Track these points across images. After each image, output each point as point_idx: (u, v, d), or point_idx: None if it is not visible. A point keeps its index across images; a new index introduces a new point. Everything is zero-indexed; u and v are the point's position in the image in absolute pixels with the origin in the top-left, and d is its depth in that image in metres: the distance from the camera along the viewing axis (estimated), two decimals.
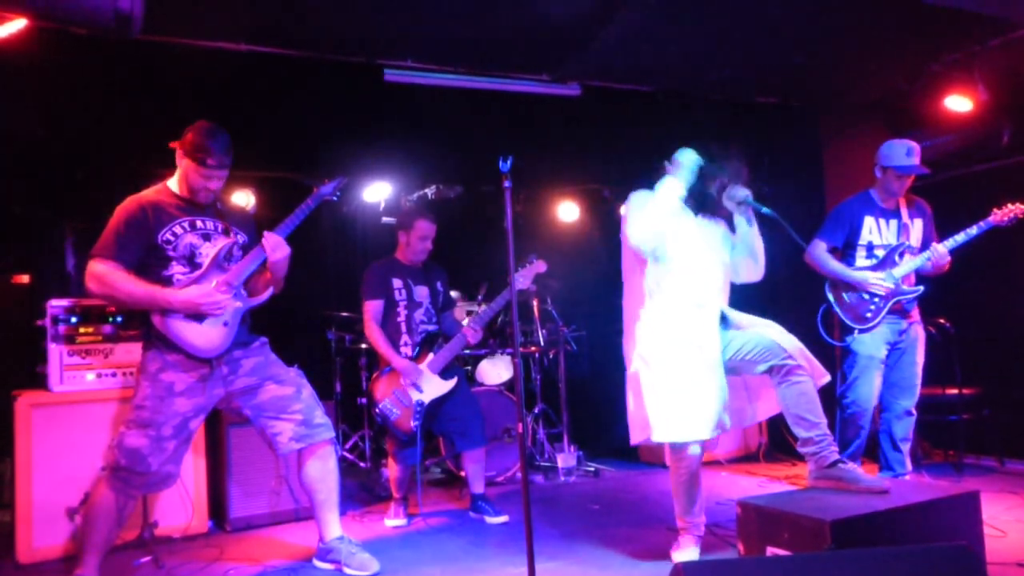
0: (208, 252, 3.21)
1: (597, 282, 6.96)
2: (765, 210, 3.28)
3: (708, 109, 5.58)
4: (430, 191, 6.16)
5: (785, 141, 5.83)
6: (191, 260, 3.20)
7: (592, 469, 5.41)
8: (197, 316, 3.13)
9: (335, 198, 3.47)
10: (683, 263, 3.32)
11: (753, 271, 3.46)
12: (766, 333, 3.26)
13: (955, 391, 4.92)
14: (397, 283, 4.31)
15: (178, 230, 3.20)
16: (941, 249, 4.05)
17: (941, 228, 4.26)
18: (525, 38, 4.41)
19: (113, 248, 3.09)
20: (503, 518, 4.19)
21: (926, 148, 5.68)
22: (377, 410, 4.16)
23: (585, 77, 5.00)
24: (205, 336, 3.15)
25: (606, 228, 7.04)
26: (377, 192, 6.07)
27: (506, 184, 2.85)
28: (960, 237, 4.08)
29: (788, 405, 3.21)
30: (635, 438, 3.35)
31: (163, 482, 3.21)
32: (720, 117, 5.76)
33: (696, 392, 3.17)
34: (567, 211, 6.84)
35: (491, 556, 3.63)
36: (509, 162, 2.81)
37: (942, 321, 5.01)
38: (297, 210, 3.31)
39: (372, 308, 4.27)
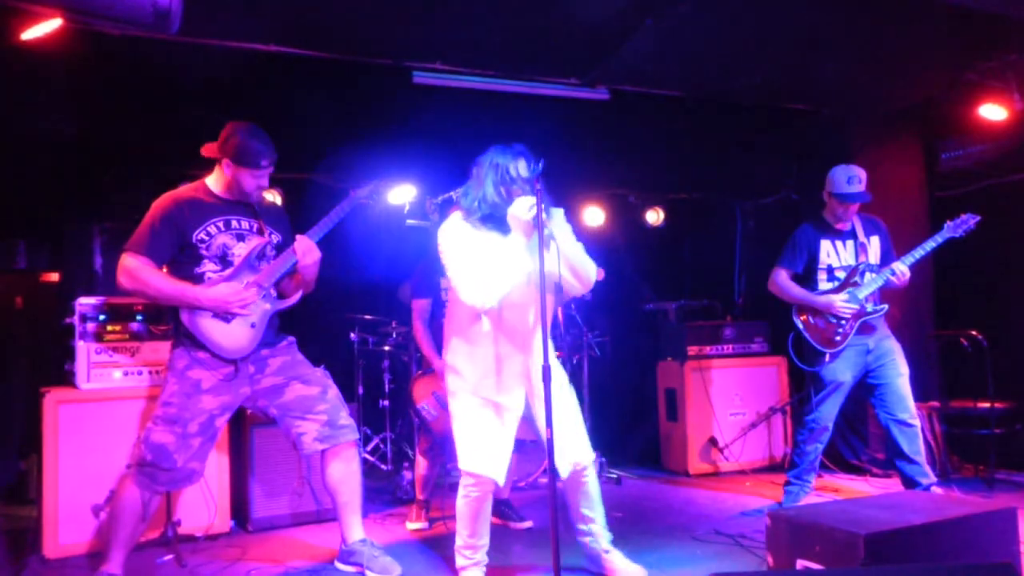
0: (240, 252, 3.22)
1: (621, 288, 6.92)
2: (548, 231, 2.82)
3: (737, 115, 5.54)
4: (456, 194, 6.14)
5: (816, 149, 5.77)
6: (223, 259, 3.21)
7: (614, 476, 5.36)
8: (224, 316, 3.14)
9: (370, 202, 3.47)
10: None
11: (572, 287, 3.07)
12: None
13: (987, 405, 4.82)
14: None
15: (212, 229, 3.21)
16: (902, 267, 4.06)
17: (975, 237, 4.18)
18: (555, 42, 4.39)
19: (146, 244, 3.12)
20: (527, 523, 4.16)
21: (959, 157, 5.63)
22: (415, 409, 4.16)
23: (614, 81, 4.97)
24: (232, 336, 3.15)
25: (631, 233, 6.99)
26: (402, 194, 6.06)
27: (537, 187, 2.83)
28: (919, 252, 4.08)
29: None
30: None
31: (187, 479, 3.22)
32: (749, 123, 5.71)
33: None
34: (592, 216, 6.80)
35: (514, 562, 3.60)
36: (540, 164, 2.79)
37: (974, 333, 4.92)
38: (331, 213, 3.31)
39: (419, 307, 4.27)
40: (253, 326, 3.20)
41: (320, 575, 3.43)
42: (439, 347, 4.20)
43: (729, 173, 6.47)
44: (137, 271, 3.08)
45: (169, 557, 3.67)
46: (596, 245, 6.80)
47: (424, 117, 5.10)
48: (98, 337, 3.90)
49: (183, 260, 3.19)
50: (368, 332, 5.65)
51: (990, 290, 5.32)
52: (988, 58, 4.78)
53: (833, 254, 4.21)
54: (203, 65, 4.28)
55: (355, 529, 3.41)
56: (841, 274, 4.18)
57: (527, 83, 4.82)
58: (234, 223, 3.27)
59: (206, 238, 3.20)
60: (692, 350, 5.65)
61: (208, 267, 3.20)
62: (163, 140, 4.96)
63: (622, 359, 6.26)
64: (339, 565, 3.47)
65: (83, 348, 3.86)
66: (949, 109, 5.34)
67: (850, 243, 4.21)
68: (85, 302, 3.91)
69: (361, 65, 4.57)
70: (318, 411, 3.32)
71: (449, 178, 6.10)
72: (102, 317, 3.91)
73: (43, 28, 3.35)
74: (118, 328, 3.94)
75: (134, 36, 3.88)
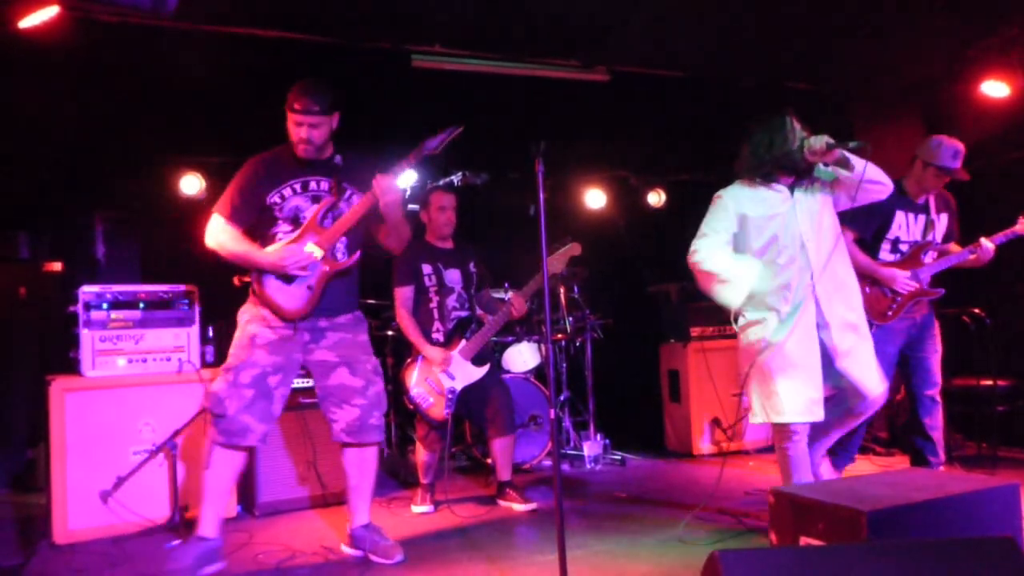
0: (310, 214, 3.25)
1: (624, 270, 6.91)
2: (852, 144, 3.21)
3: (738, 95, 5.51)
4: (456, 178, 6.13)
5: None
6: (295, 221, 3.26)
7: (618, 458, 5.38)
8: (286, 277, 3.19)
9: (438, 153, 3.29)
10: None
11: (881, 192, 3.43)
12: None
13: (990, 382, 4.82)
14: (427, 268, 4.30)
15: (287, 192, 3.26)
16: (988, 245, 4.02)
17: (977, 216, 4.18)
18: (554, 23, 4.37)
19: (227, 205, 3.24)
20: (531, 505, 4.18)
21: (961, 134, 5.59)
22: (409, 397, 4.16)
23: (614, 62, 4.95)
24: (290, 298, 3.20)
25: (633, 215, 6.98)
26: (403, 179, 6.05)
27: (539, 167, 2.82)
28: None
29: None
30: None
31: (242, 434, 3.19)
32: (750, 103, 5.68)
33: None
34: (594, 198, 6.79)
35: (519, 544, 3.63)
36: (541, 146, 2.78)
37: (977, 311, 4.91)
38: (403, 161, 3.24)
39: (402, 294, 4.26)
40: (310, 288, 3.21)
41: (326, 559, 3.45)
42: (426, 334, 4.23)
43: (731, 154, 6.44)
44: (214, 230, 3.22)
45: (177, 542, 3.69)
46: (598, 227, 6.86)
47: (424, 101, 5.08)
48: (102, 325, 3.91)
49: (262, 220, 3.27)
50: (371, 316, 5.64)
51: (993, 266, 5.30)
52: (990, 34, 4.74)
53: (904, 227, 4.11)
54: (203, 52, 4.28)
55: (361, 514, 3.44)
56: (905, 248, 4.11)
57: (527, 65, 4.80)
58: (312, 184, 3.29)
59: (279, 201, 3.25)
60: (695, 331, 5.65)
61: (281, 228, 3.26)
62: (163, 128, 4.95)
63: (625, 341, 6.27)
64: (345, 549, 3.50)
65: (87, 336, 3.87)
66: (950, 86, 5.31)
67: (922, 218, 4.13)
68: (88, 290, 3.92)
69: (360, 49, 4.55)
70: (354, 404, 3.33)
71: (449, 162, 6.13)
72: (105, 305, 3.93)
73: (41, 16, 3.34)
74: (121, 316, 3.96)
75: (132, 24, 3.87)
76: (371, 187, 3.19)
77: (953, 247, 4.18)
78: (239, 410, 3.17)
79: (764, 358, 3.35)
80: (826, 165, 3.33)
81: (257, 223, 3.27)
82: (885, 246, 4.13)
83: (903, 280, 4.02)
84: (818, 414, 3.32)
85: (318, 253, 3.20)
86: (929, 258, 4.09)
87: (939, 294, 4.10)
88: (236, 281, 4.24)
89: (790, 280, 3.33)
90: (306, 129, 3.20)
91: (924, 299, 4.10)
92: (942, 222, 4.18)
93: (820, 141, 3.24)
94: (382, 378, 3.45)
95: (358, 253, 3.32)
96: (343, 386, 3.32)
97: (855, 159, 3.28)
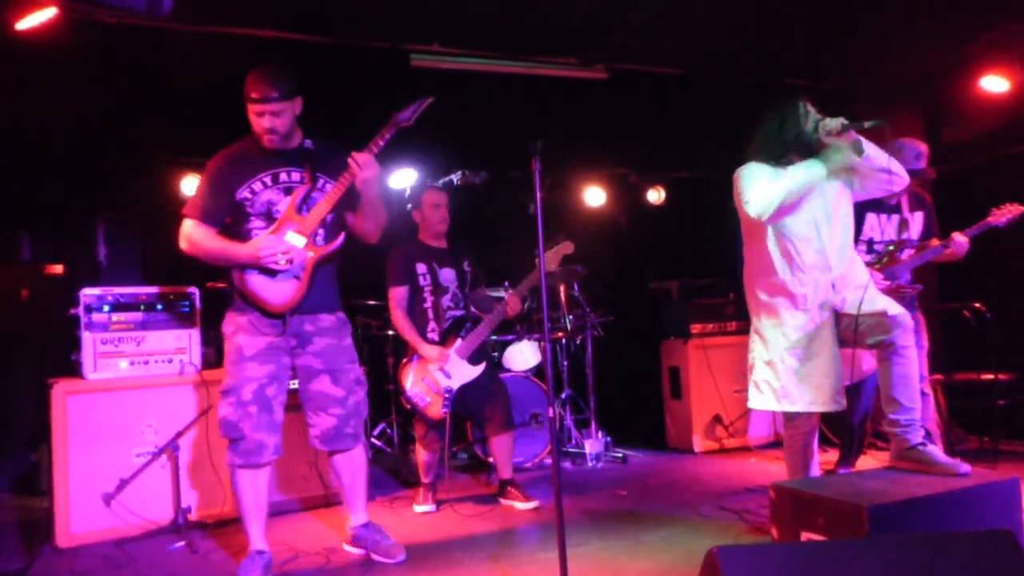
0: (283, 207, 3.17)
1: (624, 267, 6.92)
2: (868, 123, 3.13)
3: (737, 92, 5.51)
4: (456, 177, 6.14)
5: None
6: (268, 216, 3.17)
7: (620, 455, 5.38)
8: (269, 271, 3.10)
9: (412, 124, 3.21)
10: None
11: (899, 182, 3.32)
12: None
13: (991, 376, 4.82)
14: (421, 268, 4.30)
15: (258, 186, 3.16)
16: (961, 239, 4.02)
17: (976, 211, 4.18)
18: (552, 21, 4.37)
19: (198, 206, 3.16)
20: (533, 503, 4.18)
21: (961, 130, 5.59)
22: (406, 397, 4.16)
23: (613, 60, 4.95)
24: (277, 291, 3.13)
25: (633, 213, 6.98)
26: (403, 179, 6.07)
27: (535, 166, 2.83)
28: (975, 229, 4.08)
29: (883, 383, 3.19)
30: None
31: (258, 451, 3.16)
32: (749, 99, 5.67)
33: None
34: (594, 196, 6.80)
35: (520, 542, 3.63)
36: (539, 144, 2.79)
37: (977, 305, 4.91)
38: (377, 136, 3.15)
39: (396, 295, 4.27)
40: (297, 278, 3.14)
41: (329, 558, 3.46)
42: (422, 334, 4.23)
43: (730, 150, 6.44)
44: (189, 234, 3.14)
45: (180, 544, 3.70)
46: (598, 225, 6.87)
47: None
48: (103, 327, 3.92)
49: (236, 218, 3.18)
50: (371, 317, 5.67)
51: (992, 262, 5.30)
52: (990, 29, 4.74)
53: (876, 227, 4.14)
54: (201, 52, 4.27)
55: (359, 512, 3.44)
56: (880, 248, 4.13)
57: (525, 63, 4.80)
58: (283, 176, 3.19)
59: (250, 196, 3.15)
60: (695, 328, 5.65)
61: (255, 224, 3.17)
62: (163, 128, 4.96)
63: (625, 339, 6.28)
64: (347, 548, 3.50)
65: (88, 338, 3.88)
66: (950, 82, 5.31)
67: (895, 217, 4.16)
68: (89, 293, 3.93)
69: (358, 49, 4.55)
70: (331, 413, 3.29)
71: (449, 161, 6.14)
72: (106, 307, 3.93)
73: (39, 17, 3.35)
74: (123, 318, 3.97)
75: (131, 25, 3.88)
76: (347, 168, 3.11)
77: (932, 243, 4.19)
78: (252, 429, 3.14)
79: (779, 344, 3.32)
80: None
81: (233, 220, 3.19)
82: (860, 247, 4.15)
83: (876, 279, 4.03)
84: (839, 403, 3.25)
85: (300, 242, 3.12)
86: (905, 255, 4.11)
87: (916, 291, 4.11)
88: (209, 286, 4.18)
89: (804, 264, 3.29)
90: (268, 118, 3.10)
91: (905, 296, 4.10)
92: (917, 220, 4.21)
93: (836, 122, 3.18)
94: (364, 387, 3.40)
95: (343, 235, 3.23)
96: (323, 394, 3.27)
97: (873, 149, 3.22)
